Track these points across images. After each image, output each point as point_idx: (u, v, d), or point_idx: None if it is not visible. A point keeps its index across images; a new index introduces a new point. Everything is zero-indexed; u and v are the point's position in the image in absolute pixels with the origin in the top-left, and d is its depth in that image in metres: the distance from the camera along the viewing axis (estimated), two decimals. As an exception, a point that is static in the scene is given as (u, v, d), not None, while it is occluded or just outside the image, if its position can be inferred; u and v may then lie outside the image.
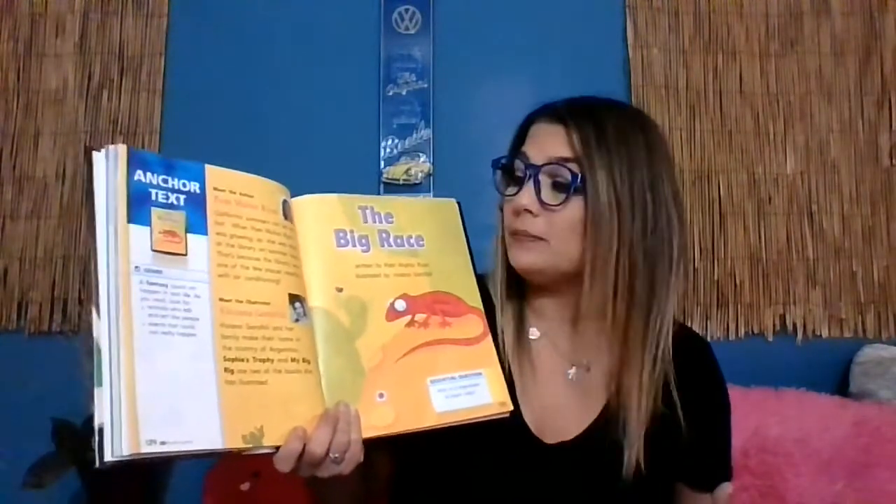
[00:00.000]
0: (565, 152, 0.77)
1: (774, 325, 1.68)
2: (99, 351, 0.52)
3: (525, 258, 0.80)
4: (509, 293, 0.86)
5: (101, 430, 0.50)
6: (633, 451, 0.77)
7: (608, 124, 0.78)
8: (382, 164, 1.67)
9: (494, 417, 0.70)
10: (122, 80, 1.66)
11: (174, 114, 1.67)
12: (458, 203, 0.80)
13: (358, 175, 1.66)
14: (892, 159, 1.73)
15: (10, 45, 1.65)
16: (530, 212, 0.78)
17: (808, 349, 1.68)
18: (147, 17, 1.67)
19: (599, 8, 1.74)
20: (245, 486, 1.31)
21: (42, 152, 1.63)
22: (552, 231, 0.78)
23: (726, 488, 0.88)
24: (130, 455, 0.49)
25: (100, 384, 0.51)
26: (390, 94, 1.68)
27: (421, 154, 1.67)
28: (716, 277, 1.68)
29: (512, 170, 0.83)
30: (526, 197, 0.78)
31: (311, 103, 1.68)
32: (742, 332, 1.67)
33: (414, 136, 1.67)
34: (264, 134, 1.66)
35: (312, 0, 1.71)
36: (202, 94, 1.67)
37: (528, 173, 0.79)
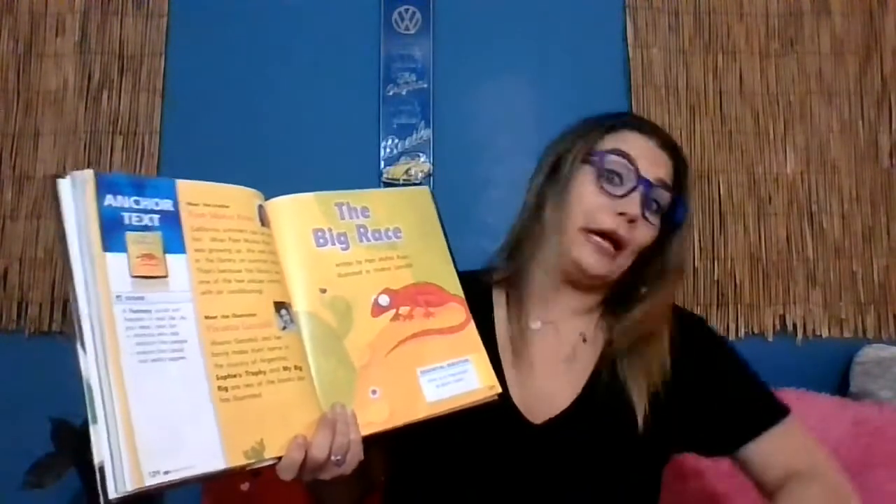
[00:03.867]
0: (671, 181, 0.85)
1: (774, 325, 1.68)
2: (90, 388, 0.51)
3: (601, 265, 0.83)
4: (510, 285, 0.88)
5: (101, 469, 0.49)
6: (640, 410, 0.80)
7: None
8: (382, 164, 1.67)
9: (484, 401, 0.71)
10: (122, 80, 1.66)
11: (174, 114, 1.66)
12: (432, 191, 0.79)
13: (358, 175, 1.66)
14: (892, 159, 1.73)
15: (10, 45, 1.65)
16: (633, 221, 0.81)
17: (808, 349, 1.68)
18: (147, 17, 1.67)
19: (599, 8, 1.74)
20: (245, 486, 1.31)
21: (42, 152, 1.63)
22: (633, 242, 0.83)
23: (791, 421, 0.86)
24: (135, 489, 0.49)
25: (94, 421, 0.50)
26: (390, 94, 1.68)
27: (421, 154, 1.67)
28: (716, 277, 1.68)
29: (604, 165, 0.84)
30: (636, 206, 0.82)
31: (311, 103, 1.68)
32: (742, 332, 1.68)
33: (414, 136, 1.67)
34: (264, 134, 1.66)
35: (312, 0, 1.71)
36: (202, 94, 1.67)
37: (638, 184, 0.82)
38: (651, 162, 0.84)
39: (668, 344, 0.84)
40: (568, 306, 0.88)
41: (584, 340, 0.87)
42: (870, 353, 1.59)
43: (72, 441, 1.34)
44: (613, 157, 0.83)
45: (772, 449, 0.85)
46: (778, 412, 0.86)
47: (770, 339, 1.68)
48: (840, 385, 1.63)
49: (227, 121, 1.65)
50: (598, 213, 0.81)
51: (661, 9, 1.74)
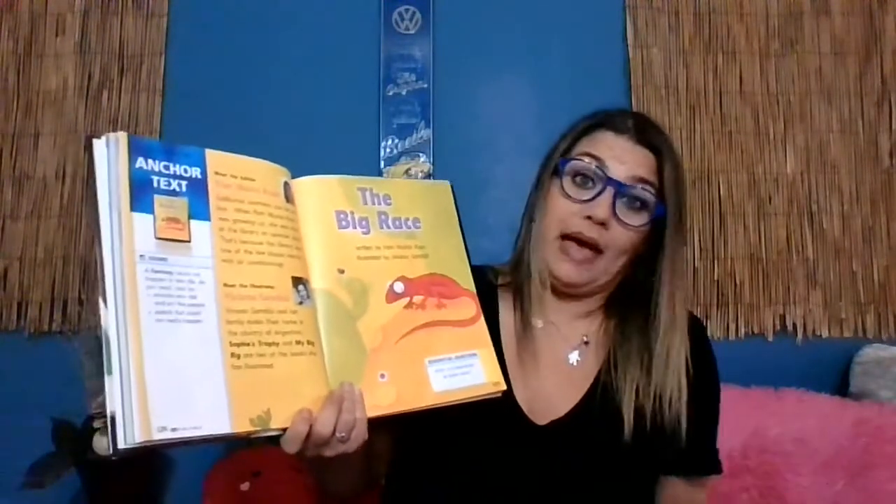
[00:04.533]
0: (651, 177, 0.82)
1: (774, 325, 1.68)
2: (108, 340, 0.52)
3: (574, 274, 0.83)
4: (515, 288, 0.88)
5: (112, 419, 0.51)
6: (628, 419, 0.79)
7: (676, 154, 0.85)
8: (382, 164, 1.67)
9: (489, 397, 0.71)
10: (122, 80, 1.66)
11: (174, 114, 1.66)
12: (452, 186, 0.80)
13: (358, 175, 1.66)
14: (892, 159, 1.73)
15: (10, 45, 1.65)
16: (603, 224, 0.81)
17: (808, 349, 1.68)
18: (147, 17, 1.67)
19: (599, 8, 1.74)
20: (245, 486, 1.31)
21: (42, 152, 1.63)
22: (610, 245, 0.82)
23: (710, 480, 0.89)
24: (143, 442, 0.50)
25: (109, 372, 0.52)
26: (390, 94, 1.68)
27: (421, 154, 1.67)
28: (716, 277, 1.68)
29: (576, 171, 0.84)
30: (604, 210, 0.81)
31: (311, 103, 1.68)
32: (742, 332, 1.67)
33: (414, 136, 1.67)
34: (264, 134, 1.66)
35: (312, 0, 1.71)
36: (202, 94, 1.67)
37: (606, 185, 0.81)
38: (623, 161, 0.82)
39: (684, 354, 0.82)
40: (569, 312, 0.88)
41: (587, 343, 0.87)
42: (870, 353, 1.59)
43: (72, 441, 1.34)
44: (580, 163, 0.84)
45: (684, 494, 0.87)
46: (713, 467, 0.88)
47: (770, 339, 1.68)
48: (840, 385, 1.63)
49: (227, 121, 1.65)
50: (568, 218, 0.83)
51: (661, 9, 1.74)
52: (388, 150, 1.67)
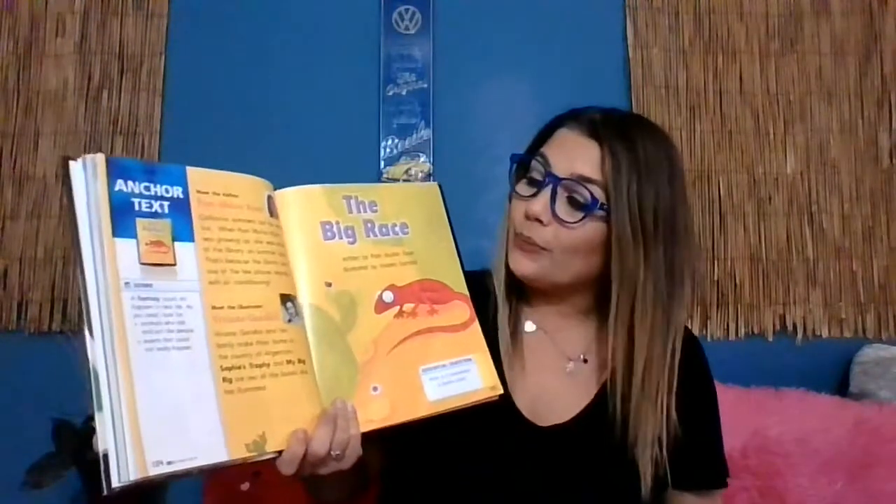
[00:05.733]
0: (592, 173, 0.77)
1: (774, 325, 1.68)
2: (96, 375, 0.50)
3: (523, 266, 0.80)
4: (507, 286, 0.86)
5: (105, 457, 0.49)
6: (647, 457, 0.78)
7: (640, 149, 0.77)
8: (382, 164, 1.67)
9: (485, 402, 0.70)
10: (122, 80, 1.66)
11: (174, 114, 1.66)
12: (440, 186, 0.79)
13: (358, 175, 1.66)
14: (892, 159, 1.73)
15: (10, 44, 1.65)
16: (540, 221, 0.78)
17: (808, 349, 1.68)
18: (147, 17, 1.67)
19: (599, 8, 1.74)
20: (245, 486, 1.31)
21: (42, 152, 1.63)
22: (556, 244, 0.78)
23: (721, 493, 0.89)
24: (139, 479, 0.49)
25: (100, 409, 0.50)
26: (390, 94, 1.68)
27: (421, 154, 1.67)
28: (716, 277, 1.68)
29: (529, 169, 0.82)
30: (539, 205, 0.78)
31: (312, 103, 1.68)
32: (742, 332, 1.67)
33: (414, 136, 1.67)
34: (264, 134, 1.66)
35: (312, 0, 1.71)
36: (202, 94, 1.67)
37: (546, 181, 0.78)
38: (568, 156, 0.78)
39: (675, 381, 0.80)
40: (556, 315, 0.87)
41: (585, 361, 0.85)
42: (870, 353, 1.59)
43: (72, 441, 1.34)
44: (525, 160, 0.82)
45: None
46: (720, 480, 0.88)
47: (770, 339, 1.68)
48: (840, 385, 1.63)
49: (227, 121, 1.65)
50: (517, 217, 0.81)
51: (661, 9, 1.74)
52: (388, 150, 1.67)
